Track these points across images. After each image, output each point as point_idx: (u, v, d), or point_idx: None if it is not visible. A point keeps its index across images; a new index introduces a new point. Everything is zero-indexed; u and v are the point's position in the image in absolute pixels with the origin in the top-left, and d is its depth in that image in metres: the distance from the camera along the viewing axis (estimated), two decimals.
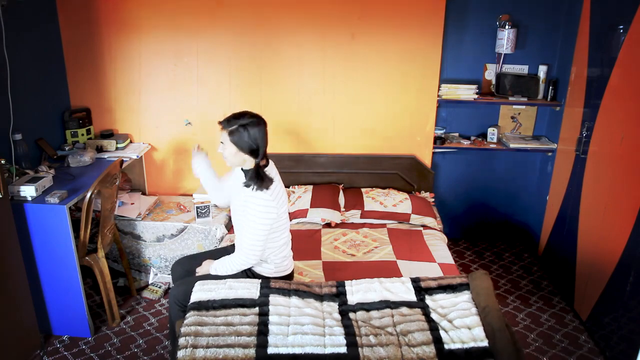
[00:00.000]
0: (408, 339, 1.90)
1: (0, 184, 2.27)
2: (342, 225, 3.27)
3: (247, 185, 2.16)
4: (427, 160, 3.65)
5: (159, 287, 3.24)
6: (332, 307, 2.11)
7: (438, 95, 3.51)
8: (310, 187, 3.49)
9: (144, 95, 3.54)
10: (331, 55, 3.43)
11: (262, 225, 2.14)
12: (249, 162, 2.17)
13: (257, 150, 2.13)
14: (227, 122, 2.11)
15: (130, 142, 3.60)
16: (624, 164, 2.59)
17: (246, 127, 2.08)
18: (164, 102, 3.54)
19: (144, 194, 3.68)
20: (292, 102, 3.54)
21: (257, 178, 2.13)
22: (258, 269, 2.34)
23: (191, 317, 1.99)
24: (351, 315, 2.05)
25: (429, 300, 2.14)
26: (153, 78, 3.50)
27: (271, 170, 2.24)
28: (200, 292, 2.13)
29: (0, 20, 2.66)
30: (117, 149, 3.43)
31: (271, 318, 1.98)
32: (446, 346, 1.87)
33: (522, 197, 3.89)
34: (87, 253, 2.75)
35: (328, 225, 3.26)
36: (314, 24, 3.37)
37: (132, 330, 2.89)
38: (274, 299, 2.09)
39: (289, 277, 2.41)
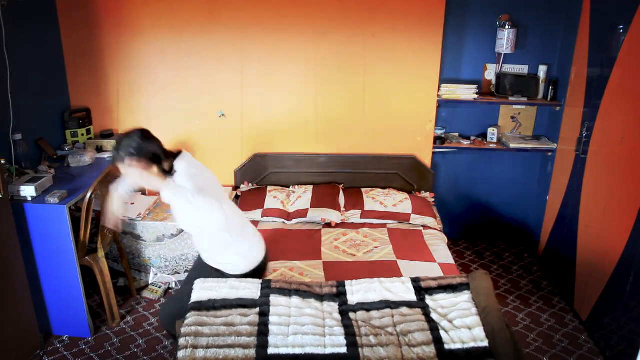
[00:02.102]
0: (408, 339, 1.89)
1: (0, 184, 2.28)
2: (342, 225, 3.27)
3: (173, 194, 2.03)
4: (427, 160, 3.65)
5: (159, 287, 3.24)
6: (333, 307, 2.11)
7: (438, 95, 3.50)
8: (310, 187, 3.49)
9: (144, 95, 3.54)
10: (331, 55, 3.43)
11: (206, 204, 2.02)
12: (161, 173, 2.08)
13: (152, 154, 2.04)
14: (113, 159, 2.02)
15: None
16: (624, 164, 2.59)
17: (120, 146, 1.99)
18: (164, 102, 3.54)
19: (144, 194, 3.67)
20: (292, 102, 3.54)
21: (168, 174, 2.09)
22: (230, 271, 2.27)
23: (191, 317, 1.99)
24: (351, 315, 2.05)
25: (429, 300, 2.14)
26: (153, 78, 3.49)
27: (190, 164, 2.20)
28: (201, 290, 2.13)
29: (1, 20, 2.66)
30: None
31: (271, 318, 1.98)
32: (446, 346, 1.87)
33: (522, 197, 3.88)
34: (87, 253, 2.75)
35: (328, 225, 3.26)
36: (314, 24, 3.37)
37: (132, 330, 2.89)
38: (274, 299, 2.09)
39: (261, 266, 2.33)
